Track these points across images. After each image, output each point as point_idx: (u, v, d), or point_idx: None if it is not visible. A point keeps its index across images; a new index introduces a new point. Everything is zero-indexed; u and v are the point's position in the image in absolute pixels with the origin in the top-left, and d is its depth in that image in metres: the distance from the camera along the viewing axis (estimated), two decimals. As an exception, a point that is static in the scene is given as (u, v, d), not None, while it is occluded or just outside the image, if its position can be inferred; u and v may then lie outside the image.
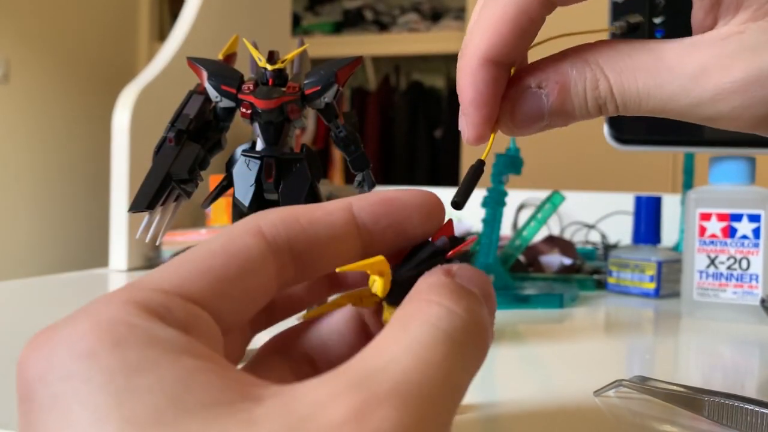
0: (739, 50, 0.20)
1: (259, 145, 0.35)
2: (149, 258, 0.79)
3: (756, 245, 0.56)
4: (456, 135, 2.70)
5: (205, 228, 0.81)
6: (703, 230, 0.58)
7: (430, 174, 2.75)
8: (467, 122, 0.23)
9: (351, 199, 0.20)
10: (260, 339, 0.22)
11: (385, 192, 0.21)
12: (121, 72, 2.63)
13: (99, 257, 0.87)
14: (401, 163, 2.80)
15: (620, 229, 0.97)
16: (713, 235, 0.57)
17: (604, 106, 0.22)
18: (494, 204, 0.59)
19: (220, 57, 0.37)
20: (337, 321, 0.21)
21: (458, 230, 1.10)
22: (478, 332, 0.17)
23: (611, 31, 0.23)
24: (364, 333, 0.22)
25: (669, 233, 0.86)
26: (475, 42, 0.23)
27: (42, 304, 0.59)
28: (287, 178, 0.34)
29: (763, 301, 0.54)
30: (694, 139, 0.60)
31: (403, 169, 2.78)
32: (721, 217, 0.57)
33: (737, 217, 0.57)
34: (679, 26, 0.59)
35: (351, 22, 2.87)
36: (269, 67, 0.34)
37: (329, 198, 0.38)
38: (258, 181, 0.34)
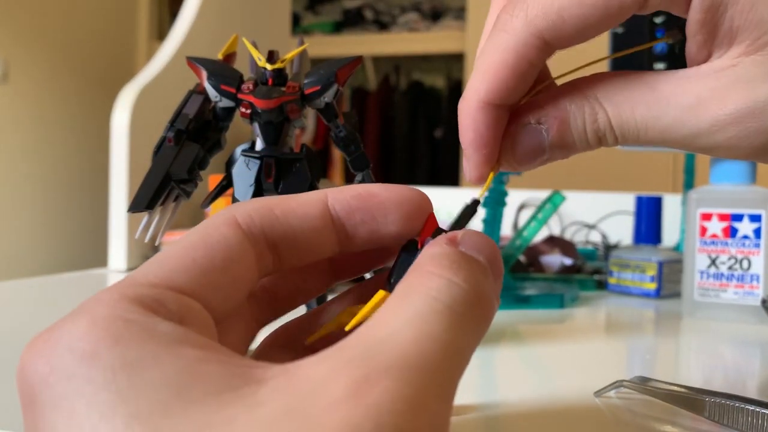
0: (733, 83, 0.20)
1: (259, 145, 0.35)
2: (148, 258, 0.79)
3: (757, 245, 0.56)
4: (456, 135, 2.70)
5: (205, 228, 0.81)
6: (704, 230, 0.58)
7: (430, 174, 2.75)
8: (469, 163, 0.24)
9: (328, 190, 0.20)
10: (261, 334, 0.22)
11: (364, 186, 0.20)
12: (121, 71, 2.63)
13: (98, 257, 0.87)
14: (401, 163, 2.80)
15: (621, 230, 0.97)
16: (714, 235, 0.57)
17: (603, 138, 0.23)
18: (494, 204, 0.59)
19: (220, 56, 0.37)
20: (338, 310, 0.22)
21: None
22: (480, 302, 0.17)
23: (664, 41, 0.24)
24: (328, 262, 0.22)
25: (670, 233, 0.86)
26: (475, 86, 0.23)
27: (41, 304, 0.59)
28: (287, 178, 0.34)
29: (764, 301, 0.54)
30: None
31: (403, 169, 2.78)
32: (722, 217, 0.57)
33: (738, 217, 0.56)
34: (679, 27, 0.58)
35: (351, 21, 2.87)
36: (269, 67, 0.34)
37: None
38: (257, 181, 0.34)
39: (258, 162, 0.34)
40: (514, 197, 0.74)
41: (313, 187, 0.35)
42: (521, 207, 1.01)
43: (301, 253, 0.20)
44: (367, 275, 0.24)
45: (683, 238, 0.76)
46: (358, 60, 0.35)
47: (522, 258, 0.74)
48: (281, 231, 0.19)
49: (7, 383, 0.35)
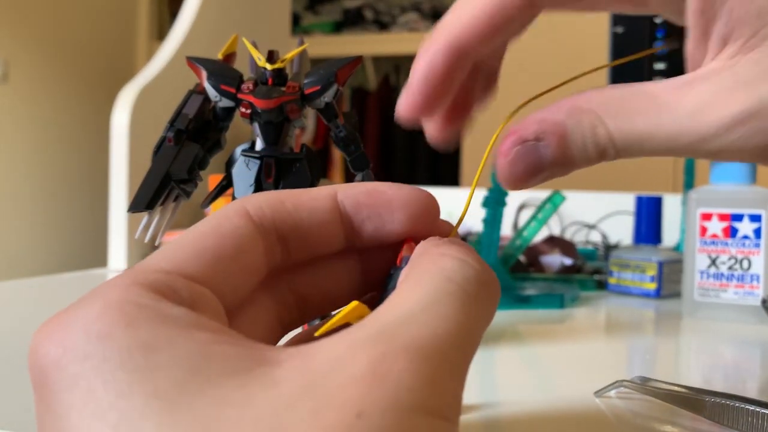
0: (733, 84, 0.20)
1: (259, 145, 0.35)
2: (149, 258, 0.79)
3: (757, 245, 0.56)
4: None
5: (205, 228, 0.81)
6: (704, 230, 0.58)
7: (430, 174, 2.75)
8: (406, 97, 0.23)
9: (337, 186, 0.21)
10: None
11: (373, 183, 0.21)
12: (120, 71, 2.63)
13: (98, 257, 0.87)
14: (401, 163, 2.80)
15: (621, 230, 0.97)
16: (714, 236, 0.57)
17: (605, 152, 0.22)
18: (495, 204, 0.59)
19: (220, 56, 0.37)
20: (330, 258, 0.21)
21: (459, 231, 1.10)
22: (489, 282, 0.18)
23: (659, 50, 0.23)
24: (357, 268, 0.22)
25: (670, 233, 0.86)
26: (445, 26, 0.22)
27: (41, 305, 0.59)
28: (287, 178, 0.34)
29: (764, 301, 0.54)
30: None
31: (403, 169, 2.78)
32: (722, 217, 0.57)
33: (738, 218, 0.56)
34: (679, 27, 0.58)
35: (351, 21, 2.87)
36: (269, 67, 0.34)
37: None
38: (257, 181, 0.34)
39: (258, 162, 0.34)
40: (514, 197, 0.74)
41: (312, 186, 0.35)
42: (521, 207, 1.01)
43: (310, 246, 0.20)
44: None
45: (683, 238, 0.76)
46: (358, 60, 0.35)
47: (522, 258, 0.74)
48: (291, 223, 0.19)
49: (7, 383, 0.35)
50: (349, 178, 0.36)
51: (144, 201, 0.33)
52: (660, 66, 0.55)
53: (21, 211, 2.36)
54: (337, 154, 2.65)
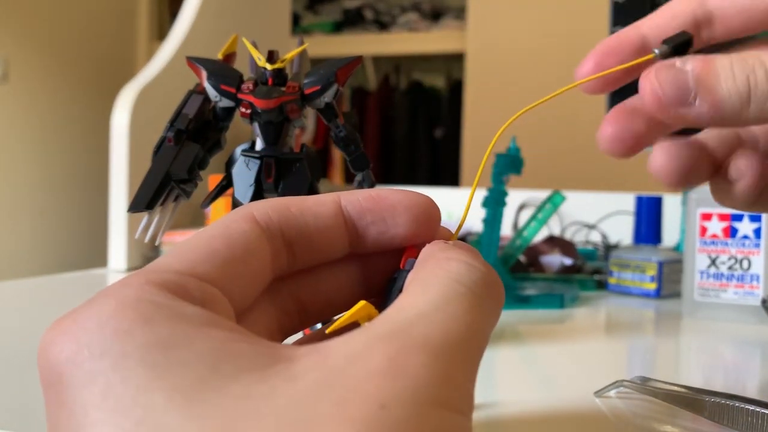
0: None
1: (259, 145, 0.35)
2: (148, 258, 0.79)
3: (757, 245, 0.56)
4: (456, 135, 2.71)
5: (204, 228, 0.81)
6: (704, 230, 0.58)
7: (430, 174, 2.75)
8: (592, 54, 0.25)
9: (341, 193, 0.21)
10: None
11: (375, 189, 0.21)
12: (121, 71, 2.63)
13: (98, 257, 0.87)
14: (401, 163, 2.80)
15: (621, 229, 0.97)
16: (714, 236, 0.57)
17: (755, 85, 0.22)
18: (495, 204, 0.59)
19: (220, 56, 0.37)
20: (332, 265, 0.22)
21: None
22: (495, 284, 0.18)
23: (656, 56, 0.24)
24: (358, 274, 0.22)
25: (670, 233, 0.86)
26: (642, 20, 0.24)
27: (41, 305, 0.59)
28: (287, 178, 0.34)
29: (764, 301, 0.54)
30: (695, 138, 0.60)
31: (403, 169, 2.78)
32: (722, 218, 0.57)
33: (738, 218, 0.56)
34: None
35: (351, 21, 2.87)
36: (269, 67, 0.34)
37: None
38: (257, 181, 0.34)
39: (258, 162, 0.34)
40: (514, 197, 0.74)
41: (313, 186, 0.35)
42: (521, 207, 1.01)
43: (315, 251, 0.20)
44: None
45: (683, 238, 0.76)
46: (358, 60, 0.35)
47: (522, 258, 0.74)
48: (297, 229, 0.20)
49: (7, 383, 0.35)
50: (349, 178, 0.36)
51: (144, 201, 0.33)
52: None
53: (21, 211, 2.36)
54: (337, 154, 2.65)
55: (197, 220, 0.87)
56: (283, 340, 0.22)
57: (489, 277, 0.18)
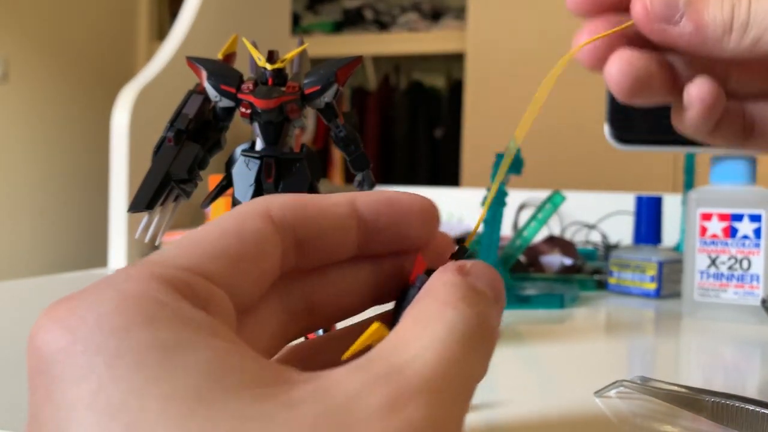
0: None
1: (259, 145, 0.35)
2: (149, 258, 0.79)
3: (757, 245, 0.56)
4: (456, 135, 2.71)
5: (205, 228, 0.81)
6: (704, 230, 0.58)
7: (430, 174, 2.75)
8: None
9: (356, 194, 0.21)
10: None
11: (387, 192, 0.21)
12: (121, 71, 2.63)
13: (98, 257, 0.87)
14: (401, 163, 2.79)
15: (621, 229, 0.96)
16: (714, 236, 0.57)
17: (738, 15, 0.23)
18: (494, 204, 0.59)
19: (220, 56, 0.37)
20: (342, 266, 0.22)
21: (459, 231, 1.09)
22: (489, 333, 0.18)
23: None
24: (369, 277, 0.22)
25: (670, 233, 0.86)
26: None
27: (41, 305, 0.59)
28: (287, 178, 0.34)
29: (764, 301, 0.54)
30: (695, 138, 0.60)
31: (403, 169, 2.78)
32: (722, 217, 0.57)
33: (738, 217, 0.56)
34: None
35: (351, 21, 2.87)
36: (269, 67, 0.34)
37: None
38: (257, 181, 0.34)
39: (258, 162, 0.34)
40: (514, 197, 0.74)
41: (313, 187, 0.35)
42: (521, 207, 1.01)
43: (325, 251, 0.20)
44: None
45: (683, 238, 0.76)
46: (358, 60, 0.35)
47: (522, 258, 0.74)
48: (310, 228, 0.20)
49: (7, 383, 0.35)
50: (349, 178, 0.36)
51: (144, 201, 0.33)
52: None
53: (21, 210, 2.36)
54: (337, 154, 2.65)
55: (197, 220, 0.87)
56: (286, 344, 0.22)
57: (483, 327, 0.18)
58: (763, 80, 0.27)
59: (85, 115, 2.54)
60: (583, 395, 0.34)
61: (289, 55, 0.35)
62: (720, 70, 0.26)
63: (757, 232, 0.56)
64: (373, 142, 2.75)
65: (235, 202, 0.35)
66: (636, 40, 0.25)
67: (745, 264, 0.56)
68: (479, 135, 2.28)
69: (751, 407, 0.28)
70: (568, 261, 0.74)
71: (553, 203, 0.66)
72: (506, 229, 0.90)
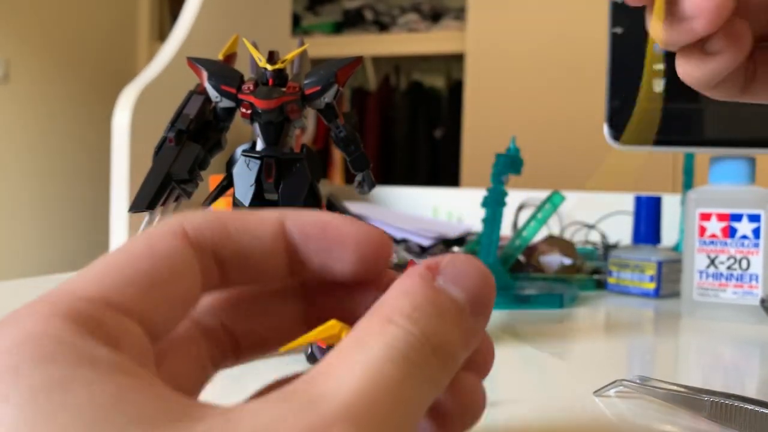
0: None
1: (259, 145, 0.35)
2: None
3: (756, 245, 0.56)
4: (456, 135, 2.71)
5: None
6: (703, 230, 0.58)
7: (430, 174, 2.75)
8: None
9: (288, 212, 0.19)
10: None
11: (327, 215, 0.19)
12: (121, 72, 2.63)
13: (99, 257, 0.87)
14: (401, 163, 2.80)
15: (620, 229, 0.97)
16: (713, 235, 0.57)
17: None
18: (494, 204, 0.59)
19: (220, 57, 0.37)
20: (270, 296, 0.20)
21: (458, 230, 1.09)
22: (439, 352, 0.16)
23: None
24: (298, 311, 0.20)
25: (669, 233, 0.86)
26: None
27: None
28: (287, 178, 0.34)
29: (763, 301, 0.54)
30: (694, 139, 0.60)
31: (403, 169, 2.78)
32: (721, 217, 0.57)
33: (737, 217, 0.57)
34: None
35: (351, 22, 2.87)
36: (269, 67, 0.34)
37: (329, 198, 0.38)
38: (258, 181, 0.34)
39: (258, 162, 0.34)
40: (514, 197, 0.74)
41: (313, 187, 0.35)
42: (521, 207, 1.01)
43: (250, 273, 0.19)
44: None
45: (682, 238, 0.76)
46: (358, 60, 0.35)
47: (521, 258, 0.74)
48: (232, 248, 0.18)
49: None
50: (349, 179, 0.36)
51: (145, 201, 0.33)
52: (659, 66, 0.55)
53: (22, 210, 2.36)
54: (337, 155, 2.65)
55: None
56: (215, 371, 0.20)
57: (428, 346, 0.16)
58: None
59: (86, 116, 2.54)
60: (583, 395, 0.34)
61: (289, 56, 0.35)
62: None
63: (756, 232, 0.56)
64: (373, 142, 2.75)
65: (235, 203, 0.35)
66: None
67: (744, 264, 0.57)
68: (479, 135, 2.28)
69: (750, 407, 0.28)
70: (567, 261, 0.74)
71: (552, 203, 0.67)
72: (506, 229, 0.90)
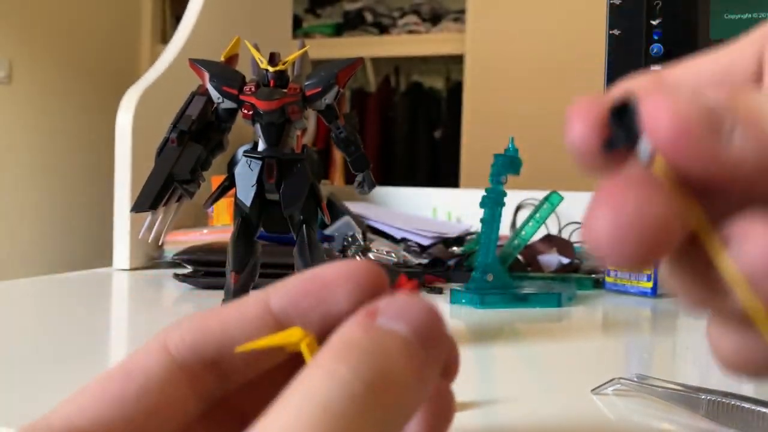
0: None
1: (261, 146, 0.35)
2: (152, 257, 0.80)
3: (753, 245, 0.56)
4: (455, 135, 2.71)
5: (207, 228, 0.82)
6: (700, 230, 0.58)
7: (430, 174, 2.76)
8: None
9: (269, 288, 0.19)
10: None
11: (307, 272, 0.19)
12: (124, 74, 2.63)
13: (102, 257, 0.87)
14: (401, 163, 2.80)
15: (619, 230, 0.97)
16: (711, 235, 0.58)
17: None
18: (493, 204, 0.60)
19: (222, 59, 0.38)
20: (276, 373, 0.20)
21: (458, 230, 1.09)
22: (381, 385, 0.15)
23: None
24: None
25: (668, 233, 0.86)
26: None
27: (46, 304, 0.60)
28: (288, 179, 0.35)
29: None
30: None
31: (403, 169, 2.79)
32: (719, 217, 0.57)
33: (735, 217, 0.57)
34: (676, 29, 0.59)
35: (351, 23, 2.87)
36: (270, 69, 0.35)
37: (329, 198, 0.38)
38: (259, 182, 0.35)
39: (260, 163, 0.35)
40: (512, 197, 0.75)
41: (314, 187, 0.35)
42: (519, 207, 1.02)
43: (248, 364, 0.19)
44: None
45: (681, 238, 0.77)
46: (358, 62, 0.36)
47: (520, 257, 0.75)
48: (218, 345, 0.18)
49: (9, 382, 0.36)
50: (349, 179, 0.37)
51: (147, 201, 0.33)
52: (657, 68, 0.56)
53: (24, 210, 2.37)
54: (337, 155, 2.65)
55: (200, 220, 0.87)
56: (205, 405, 0.20)
57: (358, 388, 0.15)
58: None
59: (89, 117, 2.55)
60: (581, 393, 0.34)
61: (290, 58, 0.36)
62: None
63: (754, 232, 0.56)
64: (373, 143, 2.75)
65: (237, 203, 0.35)
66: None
67: (741, 264, 0.57)
68: (478, 136, 2.29)
69: (747, 405, 0.28)
70: (565, 260, 0.74)
71: (550, 203, 0.67)
72: (505, 229, 0.91)
